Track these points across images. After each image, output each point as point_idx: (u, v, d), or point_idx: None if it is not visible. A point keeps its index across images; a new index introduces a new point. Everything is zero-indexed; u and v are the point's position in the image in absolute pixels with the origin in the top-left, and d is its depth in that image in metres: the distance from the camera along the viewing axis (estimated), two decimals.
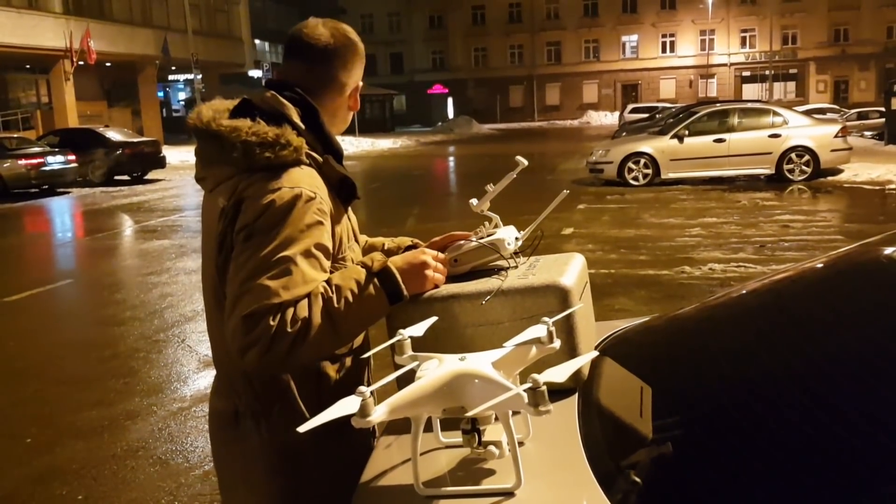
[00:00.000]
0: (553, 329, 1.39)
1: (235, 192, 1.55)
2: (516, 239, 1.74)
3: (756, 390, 1.38)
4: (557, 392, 1.58)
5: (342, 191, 1.66)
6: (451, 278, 1.70)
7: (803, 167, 15.08)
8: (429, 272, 1.60)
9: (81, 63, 30.66)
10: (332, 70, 1.72)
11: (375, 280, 1.55)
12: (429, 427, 1.42)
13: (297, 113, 1.64)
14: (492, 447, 1.34)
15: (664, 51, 58.20)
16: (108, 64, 33.56)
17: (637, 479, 1.34)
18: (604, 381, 1.69)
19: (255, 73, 42.11)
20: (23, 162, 18.63)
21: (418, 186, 18.57)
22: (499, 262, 1.73)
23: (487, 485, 1.30)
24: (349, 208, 1.75)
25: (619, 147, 16.37)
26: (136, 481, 3.99)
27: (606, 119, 51.12)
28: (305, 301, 1.49)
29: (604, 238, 10.06)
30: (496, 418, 1.34)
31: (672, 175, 15.42)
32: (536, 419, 1.50)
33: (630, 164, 15.56)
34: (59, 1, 30.42)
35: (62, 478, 4.06)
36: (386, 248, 1.92)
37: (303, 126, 1.63)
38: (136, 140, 22.65)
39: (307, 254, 1.51)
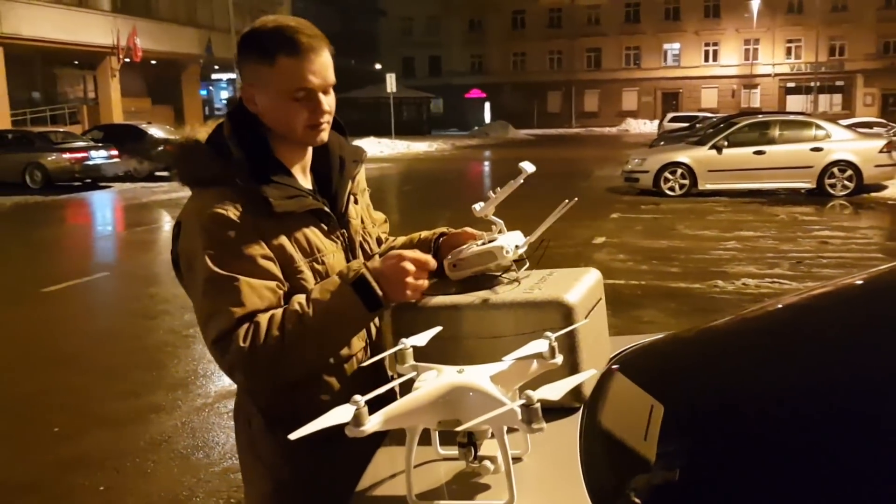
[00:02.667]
0: (555, 345, 1.38)
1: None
2: (517, 247, 1.71)
3: (781, 418, 1.32)
4: (561, 409, 1.58)
5: (264, 207, 1.55)
6: (452, 285, 1.69)
7: (846, 182, 14.79)
8: (409, 279, 1.56)
9: (127, 60, 31.25)
10: (239, 81, 1.67)
11: (350, 288, 1.54)
12: (429, 439, 1.43)
13: (228, 127, 1.63)
14: (487, 462, 1.33)
15: (707, 59, 57.56)
16: (153, 62, 34.13)
17: (636, 502, 1.33)
18: (611, 399, 1.67)
19: None
20: (67, 155, 19.06)
21: (451, 190, 18.56)
22: (493, 273, 1.72)
23: (481, 500, 1.30)
24: (330, 222, 1.69)
25: (655, 156, 16.21)
26: (156, 474, 4.04)
27: (645, 127, 50.68)
28: (276, 318, 1.52)
29: (635, 248, 9.97)
30: (493, 433, 1.33)
31: (709, 186, 15.23)
32: (537, 435, 1.50)
33: (666, 174, 15.40)
34: None
35: (86, 467, 4.13)
36: (421, 237, 1.88)
37: (230, 140, 1.61)
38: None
39: (243, 265, 1.53)
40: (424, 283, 1.61)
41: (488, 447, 1.35)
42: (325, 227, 1.67)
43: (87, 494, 3.86)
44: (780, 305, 2.07)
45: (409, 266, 1.56)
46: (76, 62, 33.09)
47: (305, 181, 1.70)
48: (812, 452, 1.19)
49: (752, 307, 2.18)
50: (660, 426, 1.50)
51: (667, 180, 15.39)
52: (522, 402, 1.19)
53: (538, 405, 1.19)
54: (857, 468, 1.10)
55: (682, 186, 15.33)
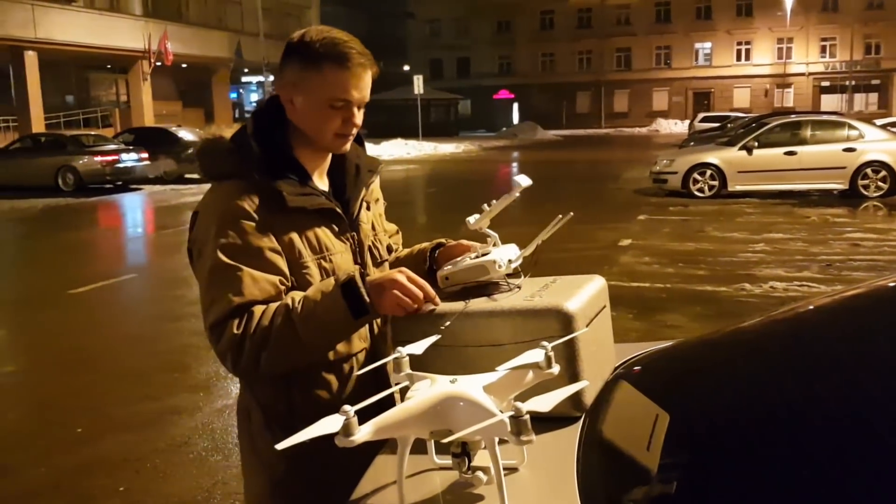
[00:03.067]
0: (552, 354, 1.35)
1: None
2: (510, 261, 1.69)
3: (791, 429, 1.28)
4: (561, 419, 1.55)
5: (278, 201, 1.61)
6: (445, 297, 1.67)
7: (879, 183, 14.52)
8: (396, 291, 1.55)
9: (158, 64, 31.68)
10: (278, 81, 1.72)
11: (339, 291, 1.56)
12: (425, 448, 1.41)
13: (251, 125, 1.69)
14: (479, 473, 1.31)
15: (739, 59, 56.93)
16: (183, 65, 34.56)
17: None
18: (614, 408, 1.64)
19: None
20: (98, 158, 19.35)
21: (477, 192, 18.48)
22: (495, 282, 1.70)
23: None
24: (334, 223, 1.73)
25: (684, 157, 16.05)
26: (175, 476, 4.07)
27: (676, 127, 50.22)
28: (269, 310, 1.56)
29: (662, 251, 9.87)
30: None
31: (739, 187, 15.03)
32: (534, 444, 1.47)
33: (695, 175, 15.22)
34: (139, 3, 31.48)
35: (106, 468, 4.17)
36: (420, 248, 1.92)
37: (252, 137, 1.67)
38: None
39: (250, 257, 1.58)
40: (412, 297, 1.57)
41: (484, 457, 1.33)
42: (336, 229, 1.72)
43: (107, 495, 3.90)
44: (794, 311, 2.02)
45: (400, 278, 1.57)
46: (108, 66, 33.63)
47: (322, 184, 1.76)
48: (826, 466, 1.15)
49: (765, 313, 2.13)
50: (664, 436, 1.46)
51: (696, 181, 15.23)
52: (511, 413, 1.17)
53: (527, 417, 1.16)
54: (873, 483, 1.06)
55: (711, 188, 15.15)
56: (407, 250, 1.97)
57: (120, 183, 20.17)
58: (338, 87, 1.61)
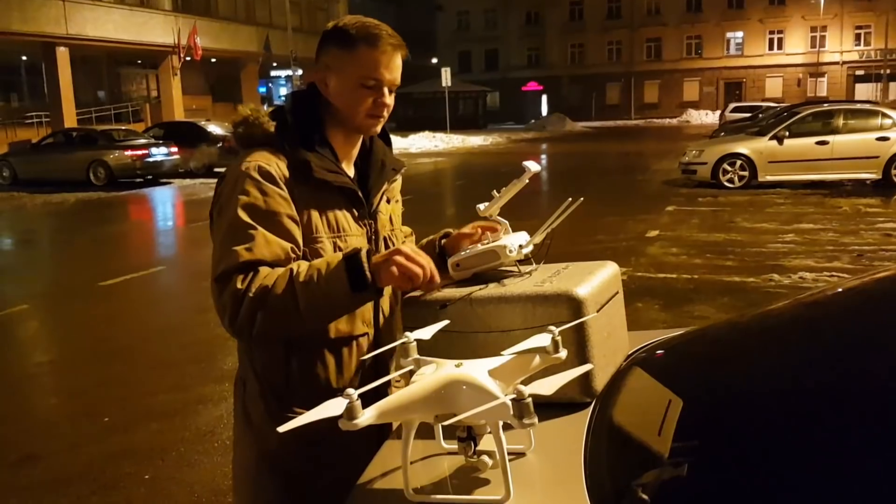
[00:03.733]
0: (559, 339, 1.34)
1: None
2: (520, 246, 1.68)
3: (805, 415, 1.25)
4: (571, 405, 1.54)
5: (305, 172, 1.66)
6: (456, 284, 1.67)
7: None
8: (396, 265, 1.55)
9: (188, 58, 31.94)
10: (314, 67, 1.79)
11: (343, 263, 1.57)
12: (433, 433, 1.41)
13: (289, 101, 1.78)
14: (485, 457, 1.31)
15: (771, 48, 56.12)
16: (212, 60, 34.84)
17: (643, 498, 1.28)
18: (626, 394, 1.63)
19: None
20: (129, 153, 19.60)
21: (504, 184, 18.30)
22: (507, 268, 1.70)
23: (478, 495, 1.28)
24: (359, 207, 1.76)
25: (713, 147, 15.86)
26: (199, 465, 4.11)
27: (707, 118, 49.66)
28: (273, 273, 1.58)
29: (690, 242, 9.77)
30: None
31: (769, 178, 14.82)
32: (544, 430, 1.47)
33: (725, 166, 15.04)
34: None
35: (133, 457, 4.23)
36: (424, 242, 1.94)
37: (289, 112, 1.74)
38: None
39: (268, 219, 1.61)
40: (418, 270, 1.57)
41: (491, 442, 1.33)
42: (356, 213, 1.75)
43: (133, 483, 3.95)
44: (812, 298, 1.99)
45: (405, 250, 1.59)
46: (139, 61, 34.02)
47: (348, 169, 1.80)
48: (838, 452, 1.13)
49: (783, 300, 2.09)
50: (677, 421, 1.44)
51: (725, 172, 15.04)
52: (512, 396, 1.16)
53: (529, 400, 1.16)
54: (887, 469, 1.03)
55: (741, 178, 14.97)
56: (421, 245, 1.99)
57: (150, 177, 20.42)
58: (370, 66, 1.67)
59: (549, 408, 1.51)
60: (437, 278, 1.61)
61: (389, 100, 1.71)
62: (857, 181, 14.67)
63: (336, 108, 1.73)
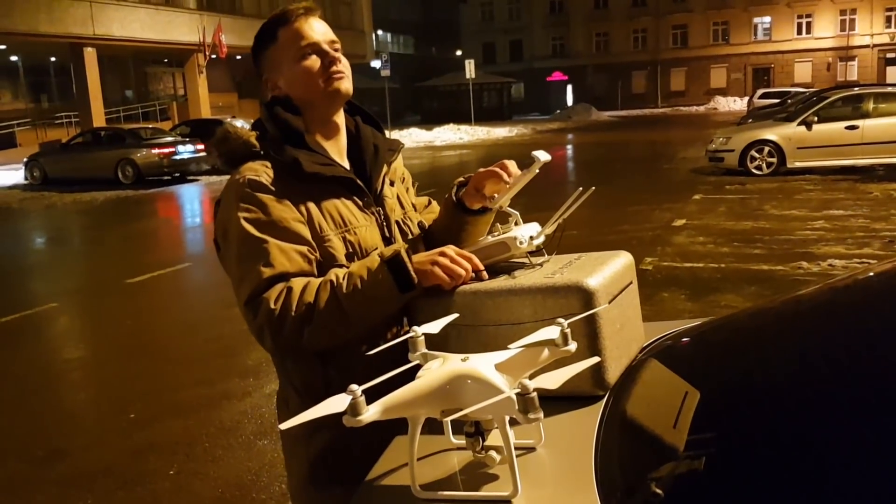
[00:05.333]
0: (568, 331, 1.31)
1: None
2: (531, 237, 1.64)
3: (836, 408, 1.20)
4: (584, 398, 1.51)
5: (292, 171, 1.63)
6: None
7: None
8: (443, 260, 1.54)
9: (214, 56, 32.13)
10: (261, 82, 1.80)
11: (385, 267, 1.55)
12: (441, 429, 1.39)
13: (263, 112, 1.74)
14: (493, 452, 1.28)
15: (800, 32, 55.20)
16: (238, 57, 34.98)
17: (657, 492, 1.25)
18: (641, 386, 1.59)
19: (376, 64, 42.88)
20: (156, 151, 19.81)
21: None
22: (518, 259, 1.67)
23: (486, 491, 1.25)
24: (357, 196, 1.72)
25: (741, 134, 15.63)
26: (224, 459, 4.14)
27: (735, 105, 49.04)
28: (312, 286, 1.55)
29: (717, 230, 9.65)
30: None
31: (798, 164, 14.58)
32: (555, 424, 1.44)
33: (753, 153, 14.82)
34: None
35: (158, 452, 4.26)
36: (442, 204, 1.88)
37: (266, 120, 1.71)
38: None
39: (274, 228, 1.58)
40: (459, 269, 1.56)
41: (500, 437, 1.30)
42: (360, 202, 1.72)
43: (158, 478, 3.98)
44: (837, 286, 1.93)
45: (448, 251, 1.57)
46: (166, 60, 34.30)
47: (343, 163, 1.76)
48: (864, 446, 1.09)
49: (806, 288, 2.04)
50: (693, 413, 1.41)
51: (753, 159, 14.83)
52: (517, 390, 1.13)
53: (534, 394, 1.13)
54: None
55: (769, 165, 14.75)
56: (433, 213, 1.95)
57: (177, 174, 20.61)
58: (296, 39, 1.67)
59: (561, 401, 1.49)
60: (484, 274, 1.60)
61: (336, 54, 1.70)
62: (889, 166, 14.38)
63: (300, 99, 1.71)
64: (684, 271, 7.58)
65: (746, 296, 6.56)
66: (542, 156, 1.66)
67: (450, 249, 1.58)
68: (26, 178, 21.43)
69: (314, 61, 1.67)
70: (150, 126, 24.24)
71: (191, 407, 4.88)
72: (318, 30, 1.69)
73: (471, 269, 1.57)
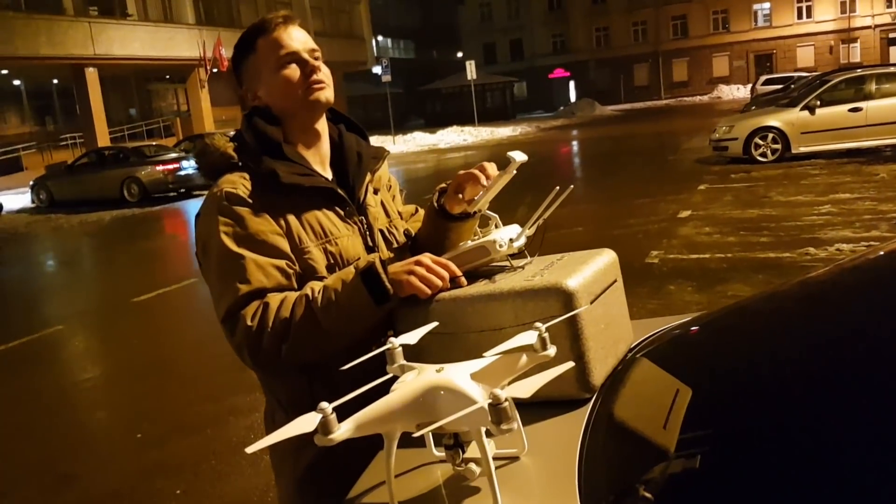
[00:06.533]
0: (546, 335, 1.27)
1: None
2: (511, 240, 1.61)
3: (834, 403, 1.15)
4: (569, 402, 1.47)
5: (270, 183, 1.60)
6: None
7: None
8: (416, 277, 1.50)
9: (215, 70, 32.26)
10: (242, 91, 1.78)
11: (360, 279, 1.52)
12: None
13: (243, 123, 1.72)
14: (472, 465, 1.25)
15: (800, 16, 54.90)
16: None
17: (646, 496, 1.21)
18: (629, 387, 1.55)
19: (377, 70, 42.95)
20: (160, 168, 19.87)
21: (534, 173, 18.26)
22: (498, 263, 1.63)
23: None
24: (338, 207, 1.69)
25: (744, 122, 15.52)
26: (230, 477, 4.11)
27: (739, 92, 48.84)
28: (288, 301, 1.53)
29: (724, 220, 9.57)
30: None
31: (803, 149, 14.46)
32: (540, 431, 1.40)
33: (757, 140, 14.71)
34: (192, 12, 32.10)
35: (165, 472, 4.24)
36: (424, 211, 1.85)
37: (245, 131, 1.69)
38: None
39: (252, 242, 1.56)
40: (436, 277, 1.53)
41: (476, 449, 1.27)
42: (341, 212, 1.69)
43: (165, 498, 3.96)
44: (834, 272, 1.88)
45: (424, 259, 1.54)
46: (167, 76, 34.45)
47: (325, 172, 1.74)
48: (863, 444, 1.04)
49: (802, 276, 1.99)
50: (685, 411, 1.36)
51: (757, 146, 14.73)
52: (489, 401, 1.09)
53: (506, 404, 1.09)
54: None
55: (774, 151, 14.64)
56: (419, 221, 1.90)
57: (182, 190, 20.64)
58: (275, 48, 1.66)
59: (546, 407, 1.45)
60: (463, 280, 1.56)
61: (317, 63, 1.68)
62: (895, 146, 14.25)
63: (280, 109, 1.68)
64: (691, 262, 7.52)
65: (754, 284, 6.49)
66: (518, 156, 1.62)
67: (425, 257, 1.54)
68: (33, 202, 21.55)
69: (294, 71, 1.65)
70: (154, 143, 24.36)
71: (198, 424, 4.86)
72: (297, 38, 1.67)
73: (447, 277, 1.53)
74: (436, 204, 1.76)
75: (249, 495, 3.88)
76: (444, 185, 1.79)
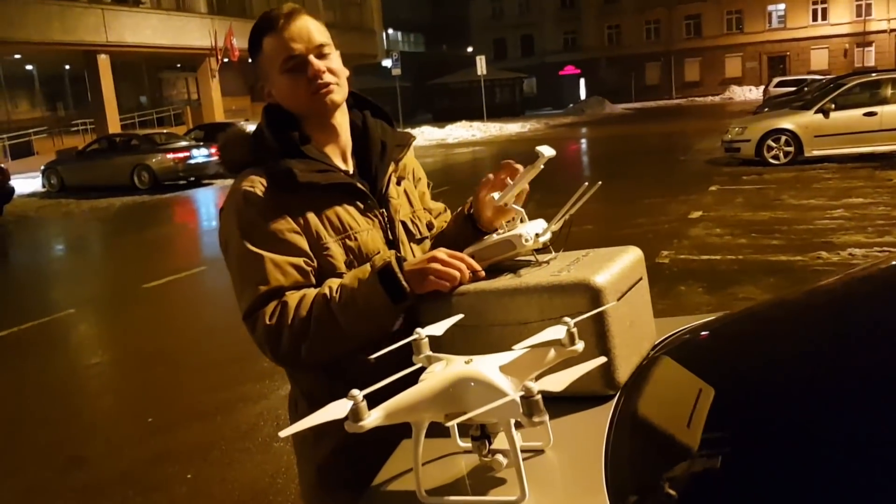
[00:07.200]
0: (574, 331, 1.27)
1: None
2: (537, 235, 1.61)
3: (855, 402, 1.16)
4: (594, 398, 1.48)
5: (287, 182, 1.59)
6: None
7: None
8: (433, 273, 1.51)
9: (226, 60, 32.27)
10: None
11: (377, 278, 1.52)
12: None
13: (263, 118, 1.71)
14: (499, 456, 1.25)
15: (815, 19, 54.63)
16: (250, 60, 35.14)
17: (670, 493, 1.22)
18: (653, 385, 1.55)
19: (387, 63, 42.89)
20: (170, 156, 19.91)
21: (545, 170, 18.08)
22: (523, 258, 1.63)
23: (493, 495, 1.23)
24: (360, 202, 1.68)
25: (757, 124, 15.47)
26: (240, 462, 4.13)
27: (751, 94, 48.64)
28: (306, 300, 1.54)
29: (734, 221, 9.55)
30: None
31: (816, 152, 14.40)
32: (565, 425, 1.41)
33: (769, 142, 14.66)
34: (204, 1, 32.11)
35: (175, 457, 4.27)
36: (456, 214, 1.85)
37: (265, 127, 1.68)
38: None
39: (270, 241, 1.57)
40: (454, 273, 1.52)
41: (503, 440, 1.27)
42: (361, 206, 1.68)
43: (175, 483, 3.98)
44: (857, 275, 1.88)
45: (441, 255, 1.53)
46: (178, 65, 34.49)
47: (346, 165, 1.72)
48: (885, 443, 1.04)
49: (826, 278, 1.99)
50: (707, 411, 1.37)
51: (770, 148, 14.68)
52: (521, 393, 1.10)
53: (538, 397, 1.10)
54: None
55: (786, 154, 14.59)
56: (449, 220, 1.90)
57: (192, 179, 20.69)
58: (278, 50, 1.61)
59: (571, 402, 1.45)
60: (482, 273, 1.56)
61: (322, 64, 1.62)
62: None
63: (290, 107, 1.67)
64: (701, 264, 7.51)
65: (765, 287, 6.48)
66: (547, 151, 1.62)
67: (440, 252, 1.54)
68: (44, 186, 21.62)
69: (297, 75, 1.61)
70: (165, 131, 24.39)
71: (207, 411, 4.88)
72: (301, 37, 1.61)
73: (466, 269, 1.53)
74: (466, 211, 1.76)
75: (259, 480, 3.90)
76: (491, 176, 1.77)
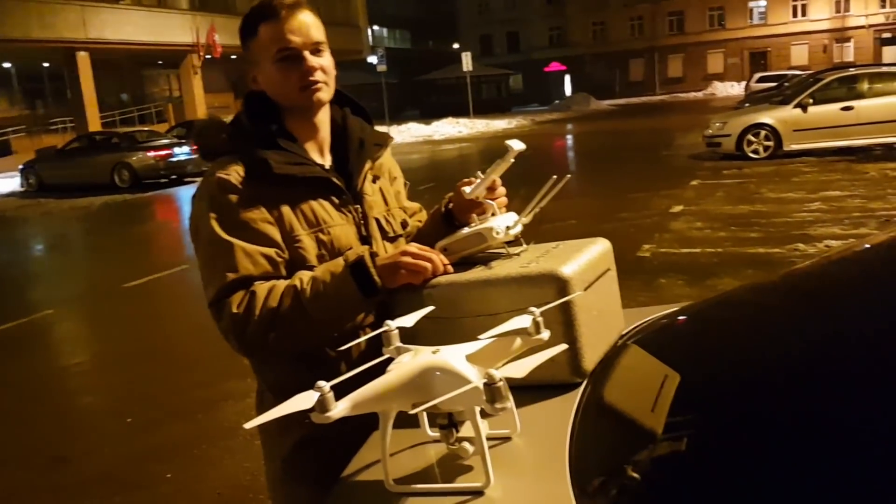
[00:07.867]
0: (540, 320, 1.30)
1: None
2: (507, 228, 1.63)
3: (815, 388, 1.18)
4: (561, 386, 1.51)
5: (263, 172, 1.59)
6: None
7: None
8: (404, 267, 1.52)
9: (208, 57, 32.12)
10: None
11: (348, 271, 1.53)
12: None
13: (243, 104, 1.71)
14: (466, 444, 1.28)
15: (795, 15, 55.06)
16: (233, 57, 34.93)
17: (633, 476, 1.24)
18: (619, 372, 1.58)
19: (373, 59, 42.79)
20: (152, 154, 19.76)
21: (528, 166, 18.14)
22: (495, 250, 1.66)
23: (459, 483, 1.25)
24: (336, 196, 1.69)
25: (737, 119, 15.59)
26: (222, 461, 4.14)
27: (733, 90, 48.89)
28: (276, 291, 1.54)
29: (715, 215, 9.63)
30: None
31: (795, 147, 14.54)
32: (532, 413, 1.43)
33: (749, 137, 14.79)
34: None
35: (156, 456, 4.26)
36: (431, 213, 1.87)
37: (243, 114, 1.69)
38: None
39: (241, 230, 1.57)
40: (424, 266, 1.54)
41: (470, 429, 1.29)
42: (336, 201, 1.68)
43: (157, 482, 3.98)
44: (822, 265, 1.91)
45: (412, 249, 1.55)
46: (160, 62, 34.24)
47: (323, 160, 1.73)
48: (848, 428, 1.07)
49: (792, 267, 2.03)
50: (673, 395, 1.40)
51: (750, 143, 14.80)
52: (484, 381, 1.12)
53: (501, 384, 1.12)
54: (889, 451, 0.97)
55: (766, 149, 14.71)
56: (425, 219, 1.91)
57: (174, 177, 20.51)
58: (274, 39, 1.60)
59: (539, 390, 1.48)
60: (450, 268, 1.58)
61: (316, 62, 1.62)
62: (885, 145, 14.34)
63: (275, 98, 1.67)
64: (682, 257, 7.58)
65: (744, 279, 6.54)
66: (517, 145, 1.64)
67: (411, 247, 1.56)
68: (22, 186, 21.44)
69: (291, 67, 1.61)
70: (146, 129, 24.18)
71: (189, 409, 4.88)
72: (300, 31, 1.60)
73: (438, 261, 1.55)
74: (443, 208, 1.78)
75: (241, 478, 3.90)
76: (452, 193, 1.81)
